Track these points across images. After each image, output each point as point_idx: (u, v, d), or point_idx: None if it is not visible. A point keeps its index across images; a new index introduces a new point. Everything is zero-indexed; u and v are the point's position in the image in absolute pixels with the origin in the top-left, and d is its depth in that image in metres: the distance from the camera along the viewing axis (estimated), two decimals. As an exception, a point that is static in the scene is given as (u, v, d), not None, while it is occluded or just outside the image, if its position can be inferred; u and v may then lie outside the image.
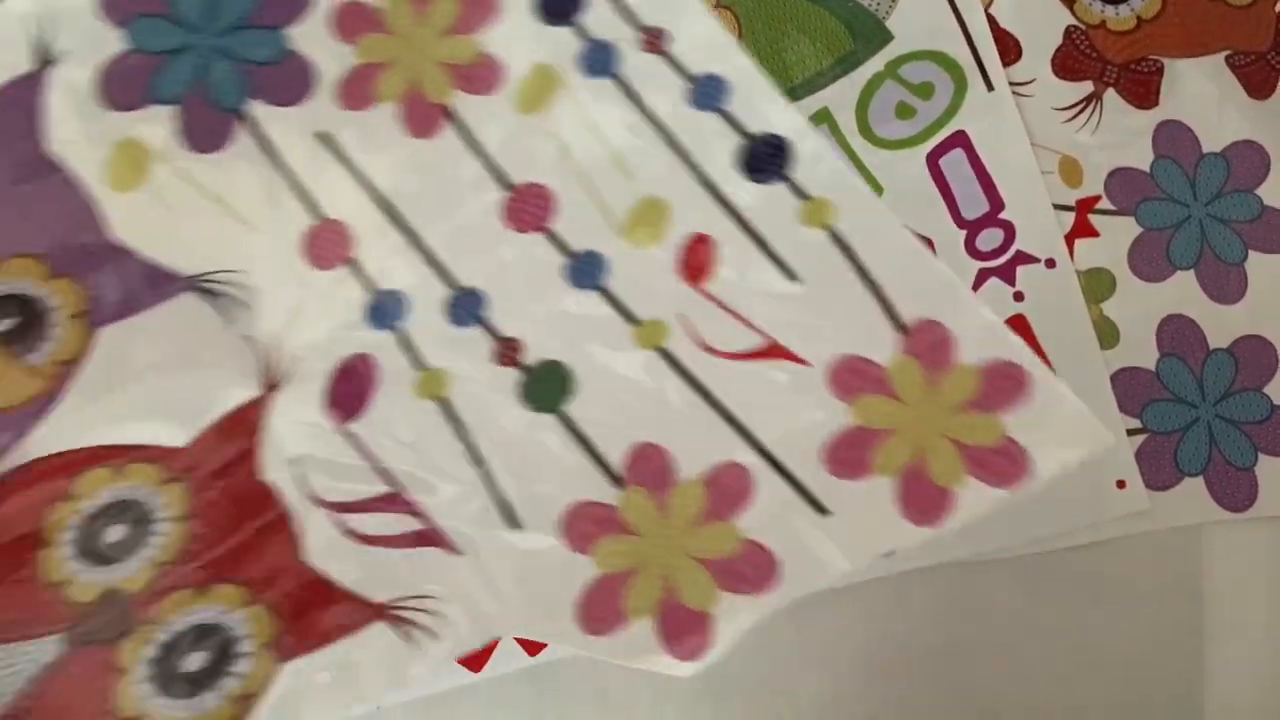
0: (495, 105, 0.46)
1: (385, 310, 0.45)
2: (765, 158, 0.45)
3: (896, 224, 0.44)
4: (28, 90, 0.46)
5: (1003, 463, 0.41)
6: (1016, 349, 0.43)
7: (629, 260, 0.45)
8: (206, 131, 0.46)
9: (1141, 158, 0.54)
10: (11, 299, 0.44)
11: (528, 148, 0.46)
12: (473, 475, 0.43)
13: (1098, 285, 0.53)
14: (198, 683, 0.41)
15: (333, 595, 0.42)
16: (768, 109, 0.46)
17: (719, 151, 0.45)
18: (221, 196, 0.46)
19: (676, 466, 0.42)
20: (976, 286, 0.50)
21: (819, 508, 0.42)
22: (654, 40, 0.47)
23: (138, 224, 0.46)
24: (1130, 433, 0.51)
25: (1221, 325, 0.53)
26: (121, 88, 0.46)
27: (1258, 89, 0.56)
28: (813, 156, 0.45)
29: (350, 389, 0.44)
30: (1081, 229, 0.53)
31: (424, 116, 0.46)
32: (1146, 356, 0.52)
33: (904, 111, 0.52)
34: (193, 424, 0.44)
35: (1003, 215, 0.51)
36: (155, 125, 0.46)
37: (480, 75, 0.47)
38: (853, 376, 0.43)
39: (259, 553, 0.42)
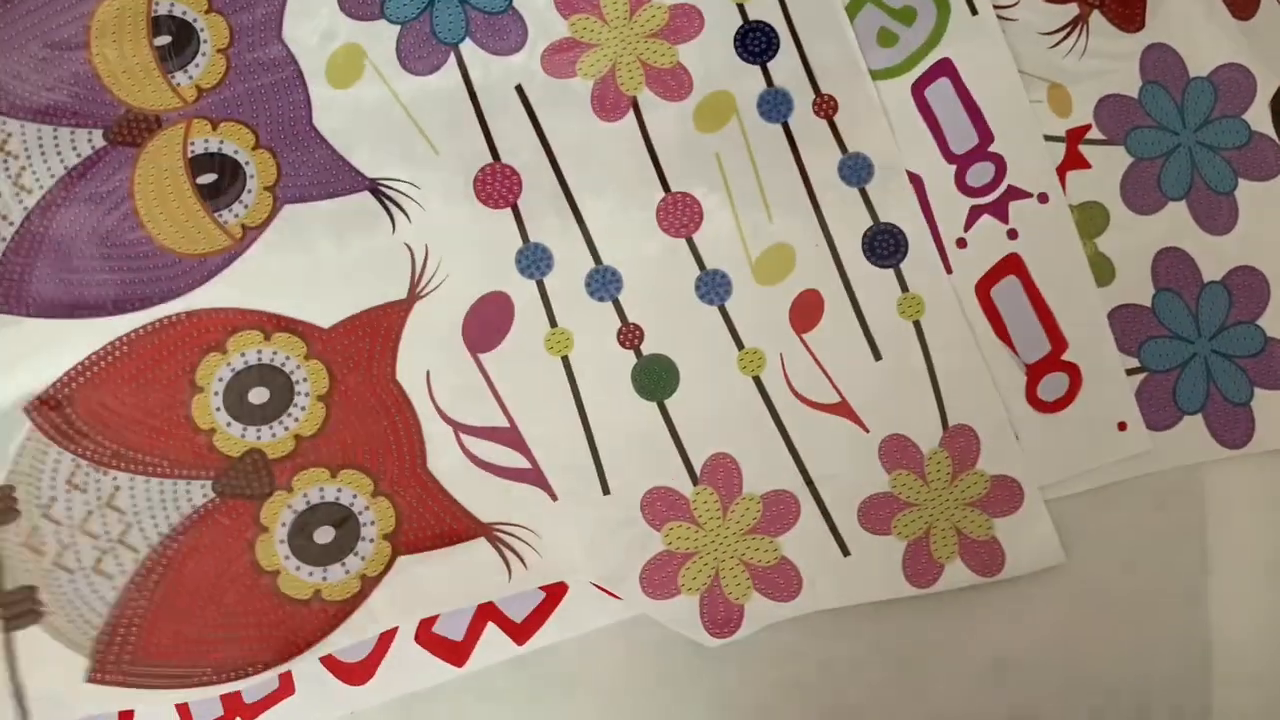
0: (676, 112, 0.52)
1: (534, 261, 0.51)
2: (885, 246, 0.52)
3: (970, 337, 0.52)
4: (275, -18, 0.50)
5: (985, 556, 0.51)
6: (1021, 468, 0.51)
7: (751, 291, 0.51)
8: (421, 57, 0.51)
9: (1129, 83, 0.55)
10: (216, 157, 0.49)
11: (693, 161, 0.52)
12: (580, 435, 0.50)
13: (1091, 220, 0.54)
14: (327, 554, 0.48)
15: (448, 505, 0.49)
16: (899, 202, 0.52)
17: (851, 226, 0.52)
18: (416, 116, 0.51)
19: (743, 480, 0.50)
20: (969, 225, 0.54)
21: (843, 548, 0.50)
22: (825, 106, 0.53)
23: (340, 120, 0.51)
24: (1129, 372, 0.53)
25: (1214, 257, 0.54)
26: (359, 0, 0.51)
27: (1241, 8, 0.56)
28: (921, 256, 0.52)
29: (488, 321, 0.50)
30: (1073, 160, 0.54)
31: (613, 102, 0.52)
32: (1142, 292, 0.53)
33: (886, 39, 0.54)
34: (339, 311, 0.50)
35: (992, 148, 0.54)
36: (380, 39, 0.51)
37: (671, 82, 0.52)
38: (899, 453, 0.51)
39: (388, 449, 0.49)
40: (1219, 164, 0.54)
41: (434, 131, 0.51)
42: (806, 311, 0.52)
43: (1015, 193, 0.53)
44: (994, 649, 0.52)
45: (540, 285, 0.51)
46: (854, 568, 0.51)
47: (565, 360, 0.51)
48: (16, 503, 0.47)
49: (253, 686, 0.48)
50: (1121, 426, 0.52)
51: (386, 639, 0.49)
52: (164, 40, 0.49)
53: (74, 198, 0.48)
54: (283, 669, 0.47)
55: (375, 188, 0.50)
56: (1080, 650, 0.52)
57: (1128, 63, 0.55)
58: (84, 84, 0.49)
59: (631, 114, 0.52)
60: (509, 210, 0.51)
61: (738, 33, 0.53)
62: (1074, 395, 0.52)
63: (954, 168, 0.53)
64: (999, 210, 0.53)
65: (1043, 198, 0.53)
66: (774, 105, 0.53)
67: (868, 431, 0.51)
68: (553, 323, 0.51)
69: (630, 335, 0.51)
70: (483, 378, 0.50)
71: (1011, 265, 0.53)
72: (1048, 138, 0.54)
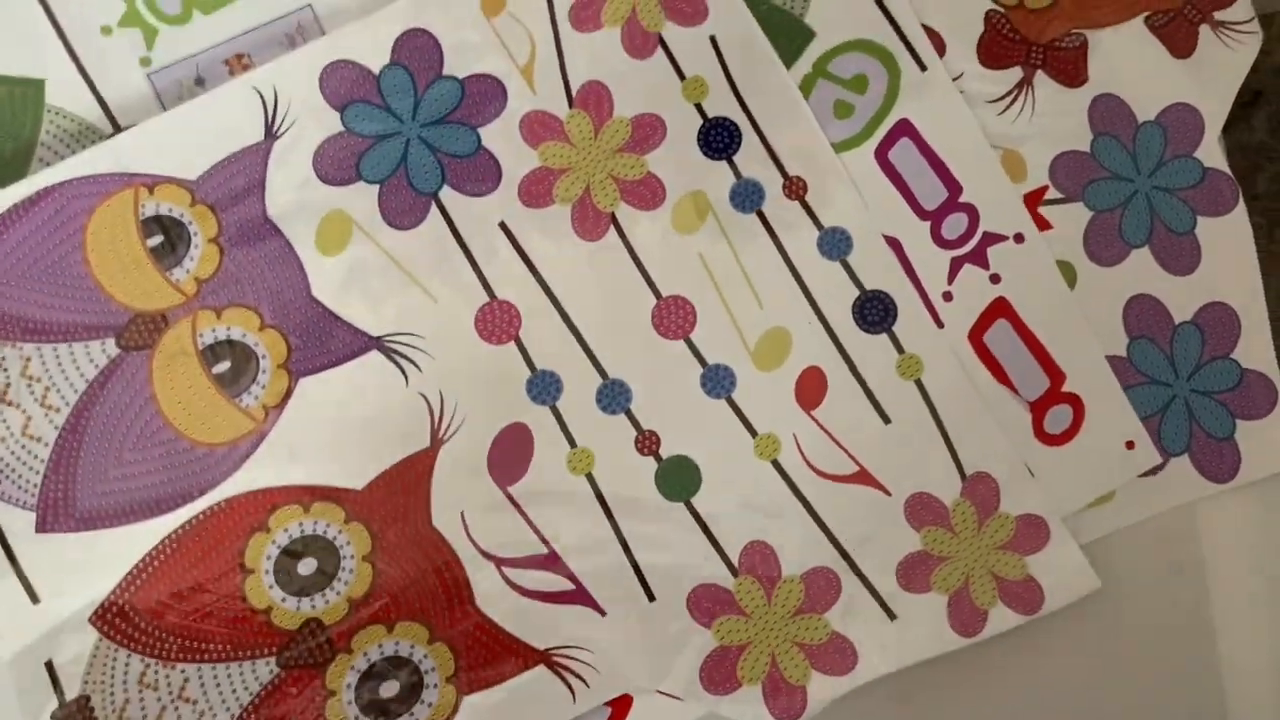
0: (654, 220, 0.54)
1: (544, 388, 0.53)
2: (875, 312, 0.54)
3: (970, 386, 0.53)
4: (257, 159, 0.52)
5: (1025, 595, 0.52)
6: (1042, 503, 0.53)
7: (754, 379, 0.53)
8: (404, 210, 0.53)
9: (1080, 138, 0.57)
10: (227, 344, 0.51)
11: (678, 264, 0.54)
12: (616, 548, 0.52)
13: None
14: (394, 708, 0.50)
15: (502, 639, 0.51)
16: (881, 268, 0.54)
17: (838, 299, 0.54)
18: (410, 269, 0.53)
19: (781, 564, 0.52)
20: (951, 276, 0.56)
21: (889, 613, 0.52)
22: (795, 188, 0.55)
23: (337, 285, 0.52)
24: None
25: (1182, 297, 0.55)
26: (334, 165, 0.52)
27: (1179, 48, 0.57)
28: (912, 317, 0.54)
29: (511, 453, 0.52)
30: (1034, 224, 0.56)
31: (593, 221, 0.54)
32: (1117, 343, 0.55)
33: (842, 110, 0.56)
34: (369, 471, 0.52)
35: (962, 199, 0.56)
36: (361, 200, 0.53)
37: (644, 192, 0.54)
38: (924, 510, 0.53)
39: (436, 595, 0.51)
40: (1176, 205, 0.56)
41: (429, 280, 0.53)
42: (811, 389, 0.54)
43: (991, 238, 0.55)
44: (1010, 705, 0.54)
45: (554, 410, 0.53)
46: (903, 630, 0.52)
47: (590, 477, 0.52)
48: (93, 712, 0.49)
49: None
50: (1129, 445, 0.54)
51: (466, 782, 0.51)
52: (156, 240, 0.51)
53: (99, 409, 0.50)
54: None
55: (382, 345, 0.52)
56: (1098, 693, 0.54)
57: (1077, 117, 0.56)
58: (88, 296, 0.51)
59: (612, 229, 0.54)
60: (513, 343, 0.53)
61: (700, 131, 0.55)
62: (1080, 424, 0.54)
63: (928, 224, 0.55)
64: (978, 258, 0.55)
65: (1018, 238, 0.55)
66: (746, 196, 0.55)
67: (890, 495, 0.53)
68: (572, 443, 0.53)
69: (647, 442, 0.53)
70: (515, 509, 0.52)
71: (999, 309, 0.54)
72: None
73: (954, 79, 0.55)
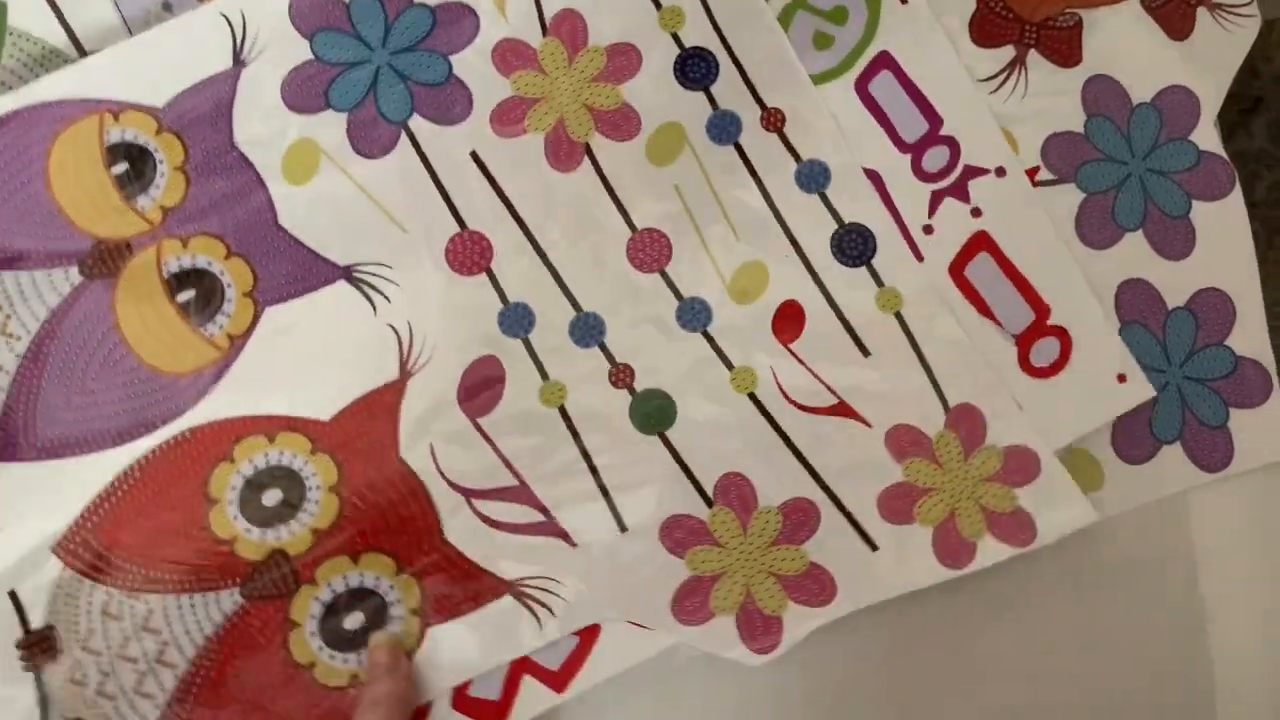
0: (629, 151, 0.53)
1: (516, 320, 0.52)
2: (854, 246, 0.53)
3: (952, 319, 0.52)
4: (224, 86, 0.51)
5: (1015, 527, 0.51)
6: (1032, 436, 0.52)
7: (731, 312, 0.52)
8: (373, 139, 0.52)
9: (1073, 119, 0.56)
10: (193, 273, 0.50)
11: (653, 196, 0.53)
12: (589, 480, 0.51)
13: None
14: (359, 639, 0.49)
15: (470, 571, 0.50)
16: (860, 201, 0.53)
17: (816, 232, 0.53)
18: (379, 198, 0.52)
19: (757, 495, 0.51)
20: (932, 210, 0.54)
21: (870, 544, 0.51)
22: (773, 119, 0.54)
23: (304, 215, 0.52)
24: None
25: (1176, 282, 0.55)
26: (302, 93, 0.52)
27: (1176, 30, 0.56)
28: (891, 250, 0.53)
29: (482, 386, 0.51)
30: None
31: (567, 151, 0.53)
32: (1109, 327, 0.54)
33: (822, 41, 0.55)
34: (336, 402, 0.51)
35: (943, 131, 0.55)
36: (329, 129, 0.52)
37: (619, 122, 0.53)
38: (906, 442, 0.52)
39: (403, 527, 0.50)
40: (1171, 188, 0.55)
41: (398, 211, 0.52)
42: (788, 322, 0.53)
43: (973, 171, 0.54)
44: (1002, 695, 0.53)
45: (526, 342, 0.52)
46: (885, 561, 0.51)
47: (562, 409, 0.51)
48: (58, 641, 0.48)
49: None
50: (1121, 378, 0.53)
51: (423, 711, 0.49)
52: (121, 168, 0.51)
53: (61, 337, 0.49)
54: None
55: (350, 275, 0.52)
56: (1090, 685, 0.53)
57: (1070, 98, 0.55)
58: (51, 223, 0.50)
59: (586, 160, 0.53)
60: (484, 275, 0.52)
61: (676, 61, 0.54)
62: (1067, 356, 0.53)
63: (909, 157, 0.54)
64: (959, 191, 0.54)
65: (1000, 171, 0.54)
66: (723, 127, 0.54)
67: (871, 426, 0.52)
68: (544, 376, 0.52)
69: (621, 375, 0.52)
70: (486, 442, 0.51)
71: (981, 243, 0.53)
72: None
73: None
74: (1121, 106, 0.55)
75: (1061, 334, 0.52)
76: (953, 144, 0.54)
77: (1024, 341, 0.52)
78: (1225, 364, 0.54)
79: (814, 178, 0.53)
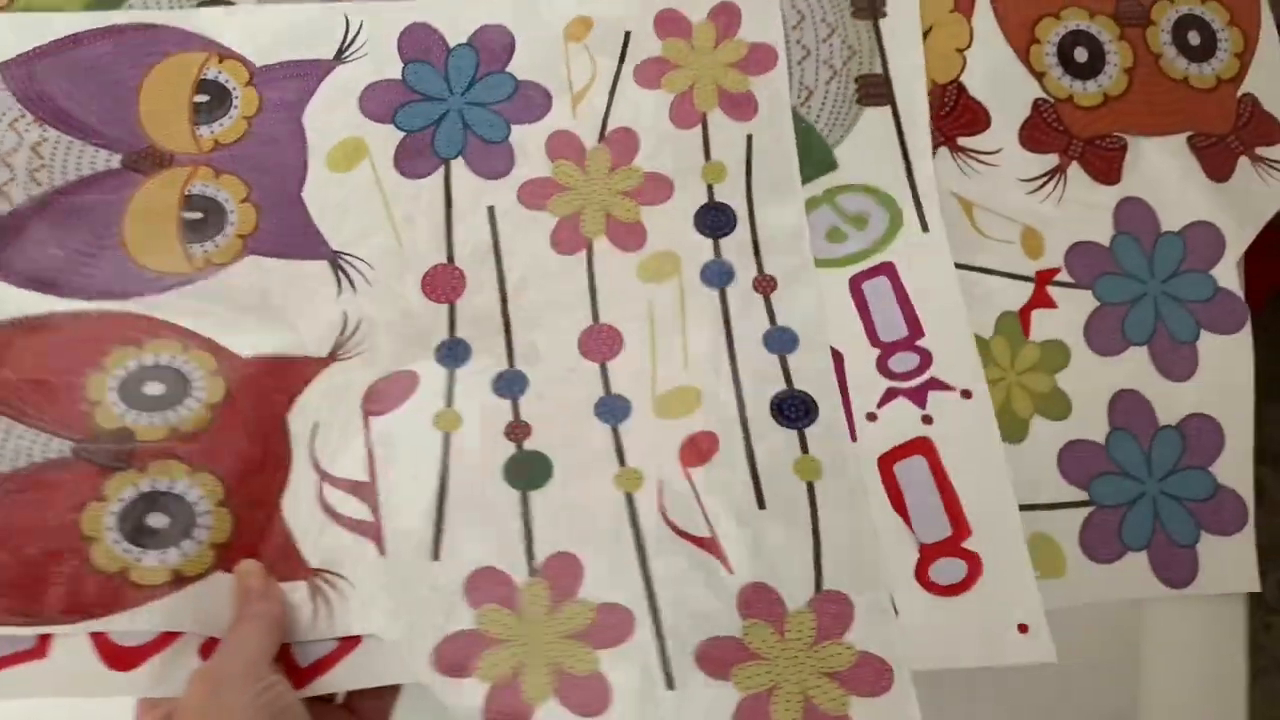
0: (624, 261, 0.55)
1: (452, 353, 0.52)
2: (794, 409, 0.51)
3: (866, 507, 0.49)
4: (318, 72, 0.58)
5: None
6: (896, 652, 0.46)
7: (647, 421, 0.51)
8: (416, 163, 0.57)
9: (1102, 232, 0.56)
10: (210, 201, 0.55)
11: (627, 300, 0.54)
12: (431, 503, 0.49)
13: (1051, 357, 0.54)
14: (151, 539, 0.47)
15: (281, 542, 0.48)
16: (816, 374, 0.52)
17: (763, 387, 0.52)
18: (392, 209, 0.55)
19: (581, 583, 0.47)
20: (883, 403, 0.52)
21: (669, 681, 0.45)
22: (765, 284, 0.54)
23: (325, 196, 0.56)
24: (1076, 505, 0.52)
25: (1172, 402, 0.54)
26: (378, 103, 0.57)
27: (1217, 171, 0.57)
28: (828, 424, 0.51)
29: (390, 392, 0.51)
30: (1039, 300, 0.54)
31: (571, 240, 0.55)
32: (1097, 429, 0.53)
33: (835, 236, 0.56)
34: (260, 348, 0.52)
35: (920, 343, 0.53)
36: (384, 139, 0.57)
37: (628, 236, 0.55)
38: (760, 603, 0.47)
39: (251, 472, 0.49)
40: (1183, 315, 0.55)
41: (402, 226, 0.55)
42: (698, 449, 0.51)
43: (937, 384, 0.52)
44: None
45: (451, 374, 0.52)
46: (677, 704, 0.45)
47: (446, 436, 0.51)
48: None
49: (6, 639, 0.45)
50: (1022, 628, 0.48)
51: (169, 637, 0.46)
52: (203, 98, 0.57)
53: (71, 198, 0.54)
54: (45, 630, 0.45)
55: (335, 258, 0.54)
56: None
57: (1102, 213, 0.56)
58: (124, 117, 0.56)
59: (584, 253, 0.55)
60: (446, 306, 0.54)
61: (700, 209, 0.56)
62: (970, 584, 0.48)
63: (878, 352, 0.53)
64: (917, 396, 0.52)
65: (966, 394, 0.52)
66: (716, 274, 0.55)
67: (731, 573, 0.48)
68: (449, 403, 0.51)
69: (517, 431, 0.51)
70: (364, 435, 0.51)
71: (921, 446, 0.51)
72: (1017, 277, 0.55)
73: (991, 152, 0.56)
74: (1150, 230, 0.56)
75: (973, 560, 0.48)
76: (926, 355, 0.53)
77: (929, 552, 0.48)
78: (1205, 488, 0.52)
79: (782, 342, 0.53)
